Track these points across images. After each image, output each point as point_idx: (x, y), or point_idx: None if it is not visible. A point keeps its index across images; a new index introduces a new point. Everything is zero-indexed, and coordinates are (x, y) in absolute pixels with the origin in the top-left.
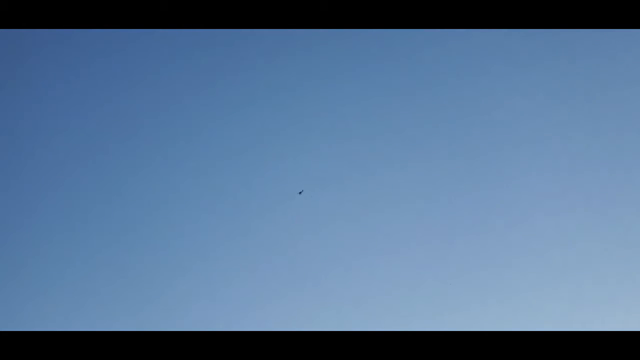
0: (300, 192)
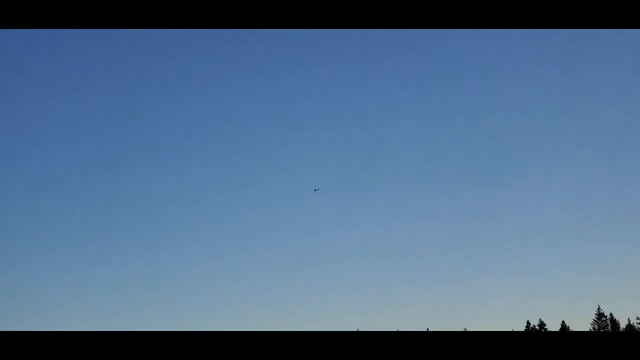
0: (316, 190)
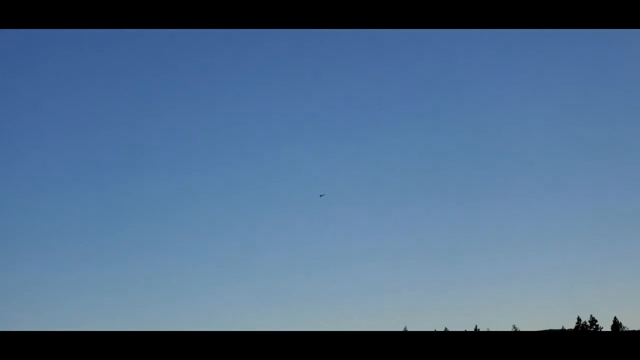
0: (321, 195)
